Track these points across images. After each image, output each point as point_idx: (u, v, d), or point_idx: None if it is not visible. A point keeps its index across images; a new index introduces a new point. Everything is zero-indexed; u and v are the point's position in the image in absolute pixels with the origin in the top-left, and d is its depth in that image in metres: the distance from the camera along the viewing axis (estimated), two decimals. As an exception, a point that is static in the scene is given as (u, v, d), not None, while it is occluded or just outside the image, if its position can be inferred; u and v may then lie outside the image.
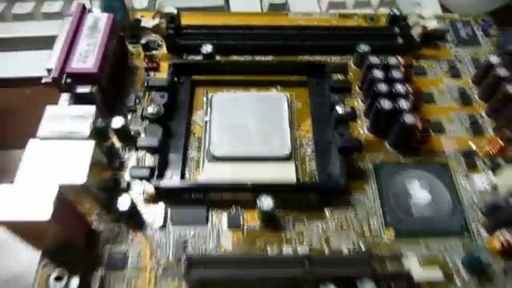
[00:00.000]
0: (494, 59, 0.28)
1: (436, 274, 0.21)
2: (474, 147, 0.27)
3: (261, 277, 0.20)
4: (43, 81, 0.25)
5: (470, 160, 0.26)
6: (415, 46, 0.31)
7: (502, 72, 0.27)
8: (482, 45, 0.32)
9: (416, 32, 0.30)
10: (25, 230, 0.20)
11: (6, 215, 0.18)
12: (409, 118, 0.24)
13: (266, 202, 0.22)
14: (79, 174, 0.20)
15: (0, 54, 0.34)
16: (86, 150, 0.21)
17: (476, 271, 0.22)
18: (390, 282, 0.21)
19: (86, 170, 0.21)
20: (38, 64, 0.33)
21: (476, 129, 0.27)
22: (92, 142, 0.22)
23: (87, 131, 0.22)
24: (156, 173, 0.23)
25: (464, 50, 0.32)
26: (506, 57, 0.29)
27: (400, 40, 0.31)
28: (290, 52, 0.30)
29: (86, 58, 0.25)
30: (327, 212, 0.24)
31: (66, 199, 0.20)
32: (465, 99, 0.29)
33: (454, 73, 0.30)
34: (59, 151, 0.21)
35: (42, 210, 0.18)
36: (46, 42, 0.32)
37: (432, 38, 0.32)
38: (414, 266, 0.21)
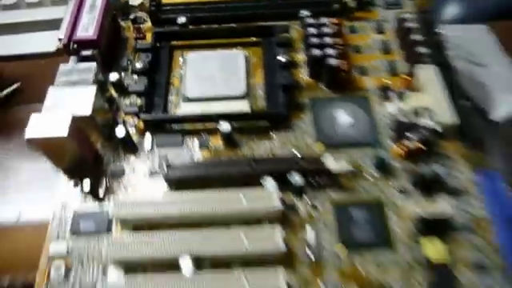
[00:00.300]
0: (406, 15, 0.36)
1: (346, 166, 0.29)
2: (389, 84, 0.34)
3: (220, 174, 0.28)
4: (56, 47, 0.33)
5: (385, 93, 0.34)
6: (349, 11, 0.38)
7: (410, 24, 0.35)
8: (405, 7, 0.40)
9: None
10: (49, 147, 0.28)
11: (37, 133, 0.27)
12: (333, 61, 0.32)
13: (225, 126, 0.30)
14: (86, 108, 0.28)
15: (18, 35, 0.43)
16: (90, 92, 0.29)
17: (382, 169, 0.30)
18: (314, 176, 0.29)
19: (90, 105, 0.29)
20: (49, 42, 0.41)
21: (393, 71, 0.35)
22: (94, 87, 0.30)
23: (91, 79, 0.30)
24: (144, 109, 0.31)
25: (390, 12, 0.39)
26: (420, 14, 0.37)
27: (336, 6, 0.38)
28: (248, 20, 0.38)
29: (88, 28, 0.33)
30: (272, 134, 0.32)
31: (77, 125, 0.28)
32: (386, 49, 0.36)
33: (380, 30, 0.38)
34: (71, 95, 0.29)
35: (60, 130, 0.27)
36: (55, 24, 0.40)
37: (365, 4, 0.40)
38: (331, 163, 0.29)
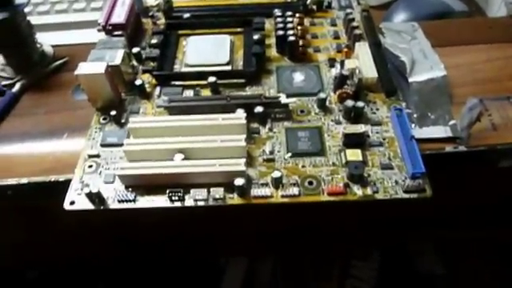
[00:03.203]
0: (351, 14, 0.49)
1: (294, 100, 0.41)
2: (335, 57, 0.47)
3: (203, 105, 0.40)
4: (97, 28, 0.46)
5: (331, 62, 0.46)
6: (311, 11, 0.52)
7: (351, 16, 0.48)
8: (354, 9, 0.53)
9: (310, 1, 0.52)
10: (90, 83, 0.40)
11: (83, 71, 0.39)
12: (290, 38, 0.45)
13: (212, 79, 0.43)
14: (116, 60, 0.41)
15: (67, 31, 0.57)
16: (120, 53, 0.43)
17: (323, 108, 0.41)
18: (273, 109, 0.41)
19: (120, 58, 0.42)
20: (89, 35, 0.54)
21: (339, 49, 0.47)
22: (123, 50, 0.43)
23: (120, 46, 0.44)
24: (156, 69, 0.44)
25: (342, 12, 0.52)
26: (365, 12, 0.50)
27: (301, 7, 0.52)
28: (236, 16, 0.52)
29: (119, 16, 0.47)
30: (247, 88, 0.44)
31: (110, 71, 0.41)
32: (336, 36, 0.49)
33: (333, 23, 0.51)
34: (106, 54, 0.43)
35: (99, 69, 0.39)
36: (93, 24, 0.54)
37: (325, 7, 0.53)
38: (283, 99, 0.40)
